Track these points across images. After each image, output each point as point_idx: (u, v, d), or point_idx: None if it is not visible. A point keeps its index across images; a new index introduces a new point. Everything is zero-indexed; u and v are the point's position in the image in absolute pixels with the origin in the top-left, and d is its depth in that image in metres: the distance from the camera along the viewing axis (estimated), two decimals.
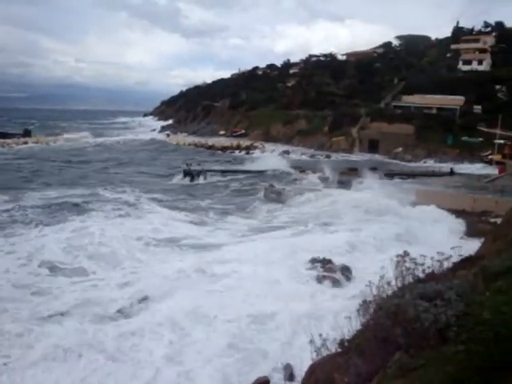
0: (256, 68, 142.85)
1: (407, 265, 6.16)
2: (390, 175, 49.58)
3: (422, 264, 6.28)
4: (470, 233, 24.02)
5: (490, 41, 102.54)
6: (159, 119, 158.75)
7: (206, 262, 18.83)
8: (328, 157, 70.44)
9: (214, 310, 13.86)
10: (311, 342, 6.20)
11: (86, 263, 19.01)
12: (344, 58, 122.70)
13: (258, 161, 59.20)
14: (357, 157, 72.00)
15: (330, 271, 17.61)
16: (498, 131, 54.68)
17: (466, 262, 9.12)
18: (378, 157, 71.82)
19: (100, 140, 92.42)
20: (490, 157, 56.96)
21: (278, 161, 58.67)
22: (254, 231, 26.27)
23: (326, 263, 18.36)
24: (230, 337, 12.75)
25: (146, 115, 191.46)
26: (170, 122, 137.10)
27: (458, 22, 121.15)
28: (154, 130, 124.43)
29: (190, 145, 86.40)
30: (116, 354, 11.58)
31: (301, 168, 52.61)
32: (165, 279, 16.91)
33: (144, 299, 15.23)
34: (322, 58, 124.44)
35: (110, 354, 11.56)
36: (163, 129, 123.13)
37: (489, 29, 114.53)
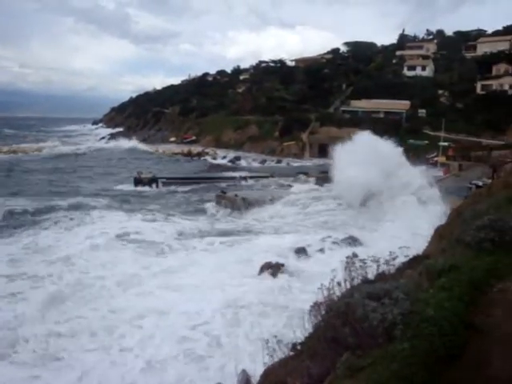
0: (206, 74, 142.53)
1: (356, 266, 6.26)
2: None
3: (377, 261, 6.40)
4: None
5: (432, 48, 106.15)
6: (108, 126, 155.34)
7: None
8: (279, 162, 70.91)
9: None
10: (265, 346, 6.20)
11: None
12: (293, 63, 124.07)
13: None
14: (308, 162, 72.68)
15: (282, 273, 17.73)
16: (441, 134, 56.42)
17: (414, 262, 9.36)
18: (328, 161, 72.64)
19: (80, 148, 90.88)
20: (435, 159, 58.61)
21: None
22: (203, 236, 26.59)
23: (278, 267, 18.46)
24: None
25: (95, 122, 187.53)
26: (120, 129, 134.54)
27: (403, 30, 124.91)
28: (103, 137, 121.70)
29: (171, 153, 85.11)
30: None
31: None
32: None
33: None
34: (271, 64, 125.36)
35: None
36: (112, 136, 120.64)
37: (431, 36, 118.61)
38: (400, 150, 43.27)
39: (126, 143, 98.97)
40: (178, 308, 15.44)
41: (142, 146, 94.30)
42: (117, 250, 22.85)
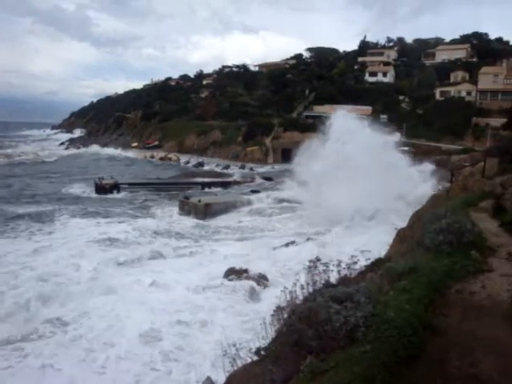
0: (169, 79, 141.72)
1: (319, 270, 6.30)
2: None
3: (339, 265, 6.46)
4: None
5: (392, 54, 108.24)
6: (68, 131, 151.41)
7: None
8: (242, 167, 70.85)
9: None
10: (226, 353, 6.17)
11: None
12: (257, 69, 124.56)
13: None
14: (271, 167, 72.86)
15: (247, 279, 17.70)
16: (402, 139, 57.52)
17: (376, 265, 9.49)
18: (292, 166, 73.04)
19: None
20: None
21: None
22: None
23: (241, 272, 18.43)
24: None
25: (54, 127, 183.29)
26: (80, 134, 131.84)
27: (365, 37, 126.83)
28: (63, 143, 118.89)
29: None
30: None
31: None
32: None
33: None
34: (235, 69, 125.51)
35: None
36: (72, 142, 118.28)
37: (391, 44, 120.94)
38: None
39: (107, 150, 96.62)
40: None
41: (125, 153, 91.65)
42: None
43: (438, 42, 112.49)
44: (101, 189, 44.94)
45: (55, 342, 13.83)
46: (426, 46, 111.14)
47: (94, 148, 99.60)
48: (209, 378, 10.69)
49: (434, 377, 3.88)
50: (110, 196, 43.65)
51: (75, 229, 28.91)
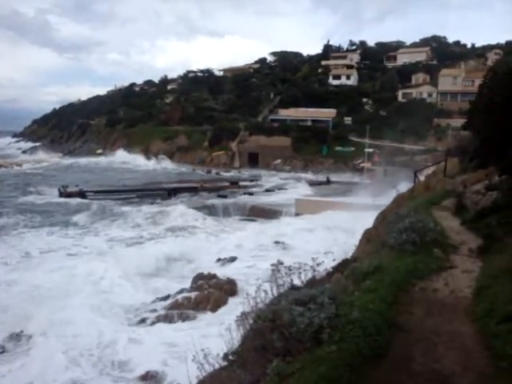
0: (133, 84, 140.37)
1: (282, 273, 6.28)
2: None
3: (301, 268, 6.46)
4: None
5: (355, 58, 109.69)
6: (29, 140, 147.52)
7: None
8: (209, 172, 70.65)
9: None
10: (194, 358, 6.11)
11: None
12: (221, 73, 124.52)
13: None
14: (237, 171, 72.82)
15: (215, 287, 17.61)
16: (367, 140, 58.31)
17: (343, 265, 9.57)
18: (258, 169, 73.24)
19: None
20: (361, 165, 60.42)
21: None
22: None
23: (210, 278, 18.35)
24: None
25: (15, 135, 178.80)
26: (40, 143, 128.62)
27: (328, 40, 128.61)
28: (25, 151, 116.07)
29: None
30: None
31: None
32: None
33: None
34: (199, 74, 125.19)
35: None
36: (33, 150, 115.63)
37: (354, 47, 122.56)
38: None
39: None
40: None
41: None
42: None
43: (400, 45, 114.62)
44: (65, 196, 44.42)
45: None
46: (388, 49, 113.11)
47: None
48: None
49: (398, 374, 3.93)
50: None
51: None
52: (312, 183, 54.89)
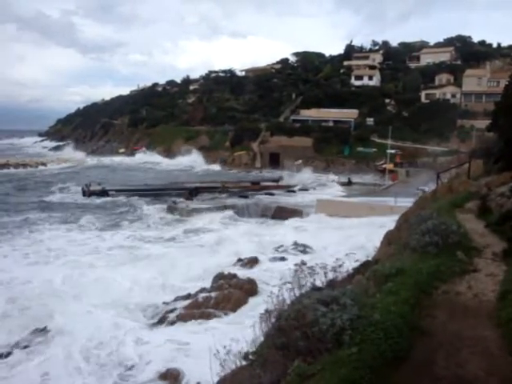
0: (156, 84, 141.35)
1: (305, 273, 6.29)
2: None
3: (325, 268, 6.46)
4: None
5: (378, 58, 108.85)
6: (52, 139, 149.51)
7: None
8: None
9: None
10: (215, 357, 6.14)
11: None
12: (243, 73, 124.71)
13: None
14: (259, 171, 72.79)
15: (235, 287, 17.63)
16: (389, 142, 57.80)
17: (364, 267, 9.51)
18: (279, 170, 73.10)
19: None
20: (383, 166, 59.92)
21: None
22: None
23: (231, 278, 18.38)
24: None
25: (40, 134, 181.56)
26: (64, 142, 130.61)
27: (351, 41, 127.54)
28: (51, 150, 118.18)
29: None
30: None
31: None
32: None
33: None
34: (221, 74, 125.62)
35: None
36: (58, 148, 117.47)
37: (377, 47, 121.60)
38: None
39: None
40: None
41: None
42: None
43: (423, 45, 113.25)
44: (88, 194, 45.02)
45: None
46: (411, 49, 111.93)
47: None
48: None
49: (420, 378, 3.89)
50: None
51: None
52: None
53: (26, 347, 14.14)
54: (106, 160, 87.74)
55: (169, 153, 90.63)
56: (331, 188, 51.39)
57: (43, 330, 15.00)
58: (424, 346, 4.27)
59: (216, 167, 76.80)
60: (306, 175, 61.39)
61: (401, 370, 3.93)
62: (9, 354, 13.76)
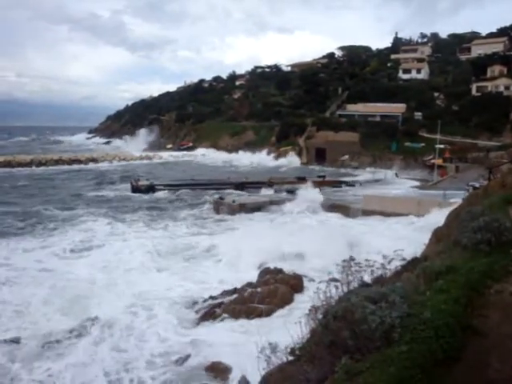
0: (202, 81, 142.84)
1: (353, 269, 6.24)
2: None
3: (371, 266, 6.39)
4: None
5: (426, 51, 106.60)
6: (102, 136, 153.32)
7: None
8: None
9: None
10: (261, 351, 6.17)
11: None
12: (289, 69, 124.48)
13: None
14: (305, 167, 72.48)
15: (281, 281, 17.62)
16: (438, 136, 56.57)
17: (411, 264, 9.34)
18: (325, 165, 72.63)
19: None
20: (432, 161, 58.71)
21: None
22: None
23: (276, 273, 18.40)
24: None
25: (90, 131, 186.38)
26: (113, 138, 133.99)
27: (396, 33, 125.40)
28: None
29: None
30: None
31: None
32: None
33: None
34: (267, 70, 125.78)
35: None
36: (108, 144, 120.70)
37: (425, 39, 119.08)
38: None
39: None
40: None
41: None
42: None
43: (474, 36, 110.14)
44: (136, 189, 45.93)
45: None
46: (462, 40, 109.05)
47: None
48: (244, 377, 10.73)
49: (473, 380, 3.79)
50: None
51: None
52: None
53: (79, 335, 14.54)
54: (179, 155, 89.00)
55: (215, 148, 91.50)
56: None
57: (94, 319, 15.38)
58: (477, 347, 4.15)
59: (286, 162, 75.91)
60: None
61: (452, 370, 3.84)
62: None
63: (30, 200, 41.23)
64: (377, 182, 52.88)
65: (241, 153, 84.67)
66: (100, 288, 18.54)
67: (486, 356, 4.07)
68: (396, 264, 7.53)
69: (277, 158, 78.93)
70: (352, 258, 6.37)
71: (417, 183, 51.46)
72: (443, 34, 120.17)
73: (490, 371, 3.90)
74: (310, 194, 37.59)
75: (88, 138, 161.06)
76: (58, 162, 74.11)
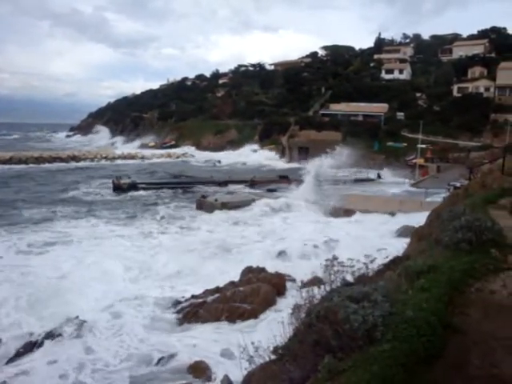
0: (185, 79, 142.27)
1: (336, 268, 6.25)
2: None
3: (352, 267, 6.40)
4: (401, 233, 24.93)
5: (409, 51, 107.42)
6: (84, 134, 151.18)
7: None
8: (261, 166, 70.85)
9: None
10: (244, 350, 6.15)
11: None
12: (272, 67, 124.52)
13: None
14: (288, 165, 72.59)
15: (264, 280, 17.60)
16: (419, 136, 57.05)
17: (393, 263, 9.40)
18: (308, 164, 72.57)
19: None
20: (413, 161, 59.17)
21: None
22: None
23: (259, 272, 18.38)
24: None
25: (72, 129, 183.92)
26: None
27: (379, 34, 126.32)
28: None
29: None
30: None
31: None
32: None
33: None
34: (251, 68, 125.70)
35: None
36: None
37: (408, 40, 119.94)
38: None
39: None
40: None
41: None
42: None
43: (456, 37, 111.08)
44: (118, 188, 45.45)
45: None
46: (443, 41, 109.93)
47: None
48: (226, 376, 10.71)
49: (454, 378, 3.82)
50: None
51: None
52: (360, 179, 54.41)
53: (58, 336, 14.36)
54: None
55: (198, 147, 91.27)
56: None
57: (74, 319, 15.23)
58: (458, 345, 4.19)
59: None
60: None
61: (434, 368, 3.87)
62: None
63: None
64: (370, 182, 53.04)
65: (224, 152, 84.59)
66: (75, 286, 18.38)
67: (466, 353, 4.11)
68: (378, 263, 7.58)
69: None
70: (335, 257, 6.39)
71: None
72: (426, 35, 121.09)
73: (471, 369, 3.94)
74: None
75: (68, 136, 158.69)
76: (38, 159, 73.09)
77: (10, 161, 69.76)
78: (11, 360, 13.17)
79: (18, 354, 13.36)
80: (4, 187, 46.97)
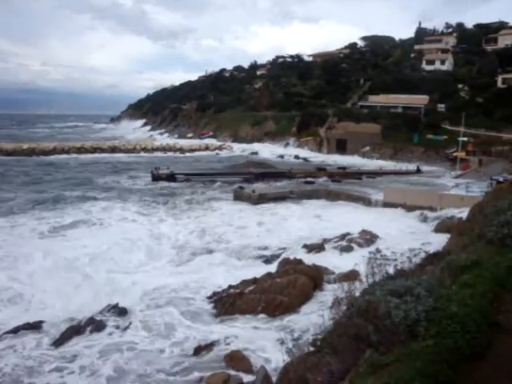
0: (223, 70, 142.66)
1: (378, 262, 6.21)
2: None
3: (395, 260, 6.35)
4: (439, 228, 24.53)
5: (451, 41, 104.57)
6: (131, 120, 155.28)
7: None
8: (297, 157, 70.54)
9: None
10: (283, 342, 6.19)
11: None
12: (311, 59, 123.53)
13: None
14: (326, 156, 72.10)
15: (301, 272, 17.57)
16: (461, 129, 55.76)
17: (434, 258, 9.26)
18: (346, 156, 72.00)
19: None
20: (454, 154, 57.90)
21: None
22: None
23: (296, 264, 18.36)
24: None
25: (112, 119, 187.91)
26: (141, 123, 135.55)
27: (420, 23, 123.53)
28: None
29: None
30: None
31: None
32: None
33: None
34: (289, 59, 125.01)
35: None
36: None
37: (450, 30, 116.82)
38: None
39: None
40: None
41: None
42: None
43: (501, 26, 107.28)
44: (157, 178, 46.27)
45: None
46: (488, 30, 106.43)
47: None
48: (262, 367, 10.75)
49: (500, 376, 3.75)
50: None
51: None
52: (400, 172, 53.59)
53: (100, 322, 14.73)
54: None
55: (235, 138, 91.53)
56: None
57: (115, 307, 15.59)
58: (503, 344, 4.11)
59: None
60: None
61: (479, 366, 3.80)
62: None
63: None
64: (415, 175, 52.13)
65: (262, 144, 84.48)
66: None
67: None
68: (418, 257, 7.48)
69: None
70: (378, 250, 6.34)
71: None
72: (470, 24, 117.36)
73: None
74: None
75: (107, 128, 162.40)
76: (79, 149, 74.89)
77: (53, 151, 71.94)
78: (57, 343, 13.57)
79: (63, 338, 13.74)
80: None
